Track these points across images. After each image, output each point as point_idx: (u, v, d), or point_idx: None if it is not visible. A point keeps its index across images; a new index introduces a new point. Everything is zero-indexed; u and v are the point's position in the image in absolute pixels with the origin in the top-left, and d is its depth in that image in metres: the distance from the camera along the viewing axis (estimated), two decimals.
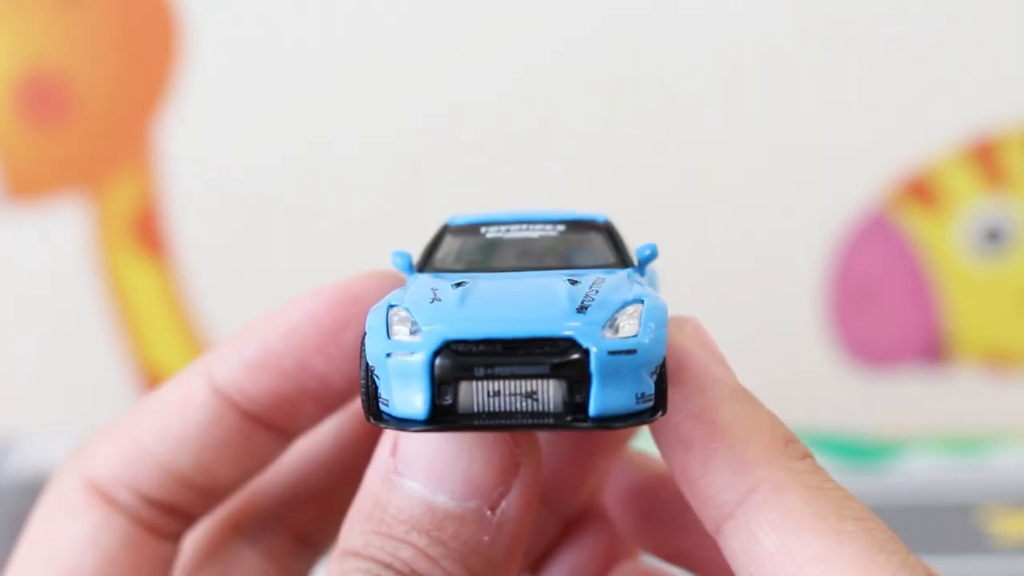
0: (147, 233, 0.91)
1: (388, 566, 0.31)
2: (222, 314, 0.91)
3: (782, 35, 0.86)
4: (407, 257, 0.35)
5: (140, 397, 0.92)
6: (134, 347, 0.92)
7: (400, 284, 0.36)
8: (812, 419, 0.81)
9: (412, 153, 0.89)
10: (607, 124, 0.88)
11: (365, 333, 0.31)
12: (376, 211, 0.89)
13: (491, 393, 0.29)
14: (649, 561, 0.42)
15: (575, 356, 0.29)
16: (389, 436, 0.32)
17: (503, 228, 0.36)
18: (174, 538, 0.38)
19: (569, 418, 0.29)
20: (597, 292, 0.31)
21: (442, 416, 0.29)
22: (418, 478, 0.31)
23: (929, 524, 0.70)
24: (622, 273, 0.33)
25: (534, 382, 0.29)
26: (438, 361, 0.29)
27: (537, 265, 0.34)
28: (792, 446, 0.31)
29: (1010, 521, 0.71)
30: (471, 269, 0.34)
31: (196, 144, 0.89)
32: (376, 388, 0.30)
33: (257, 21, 0.88)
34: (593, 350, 0.29)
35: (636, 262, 0.35)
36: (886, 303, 0.89)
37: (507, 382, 0.29)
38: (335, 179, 0.89)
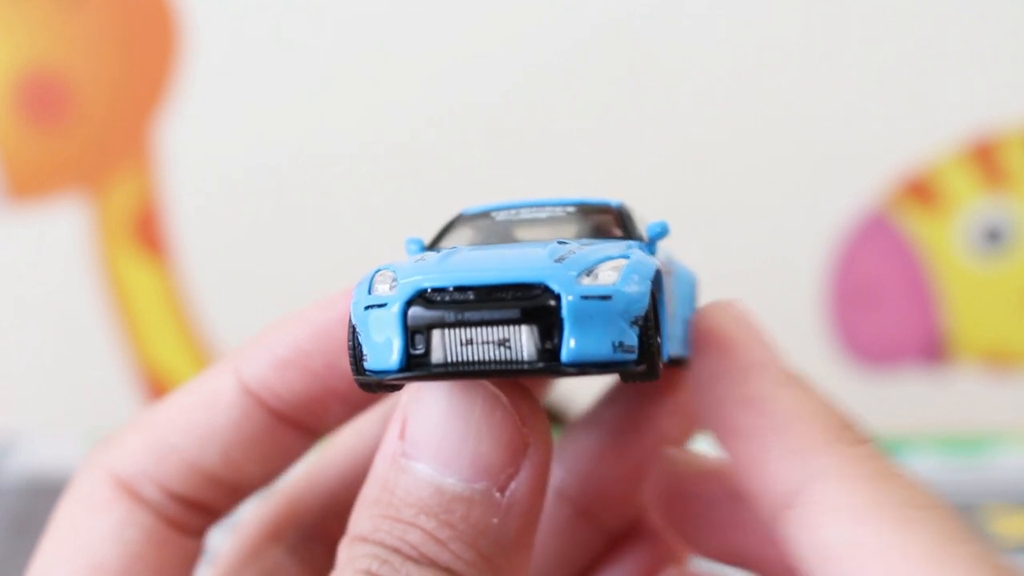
0: (147, 233, 0.91)
1: (396, 550, 0.31)
2: (222, 314, 0.91)
3: (782, 36, 0.86)
4: (419, 242, 0.35)
5: (148, 395, 0.91)
6: (134, 347, 0.92)
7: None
8: None
9: (413, 152, 0.89)
10: (608, 125, 0.88)
11: (352, 295, 0.31)
12: (377, 210, 0.89)
13: (463, 342, 0.29)
14: (698, 565, 0.41)
15: (547, 301, 0.28)
16: (397, 420, 0.32)
17: (514, 212, 0.36)
18: (198, 534, 0.38)
19: (542, 365, 0.28)
20: (582, 248, 0.30)
21: (416, 365, 0.29)
22: (426, 460, 0.31)
23: None
24: (623, 243, 0.33)
25: (506, 328, 0.29)
26: (411, 310, 0.29)
27: (540, 238, 0.34)
28: (850, 431, 0.31)
29: (1010, 521, 0.71)
30: (475, 244, 0.34)
31: (196, 144, 0.89)
32: (360, 348, 0.30)
33: (257, 21, 0.88)
34: (565, 296, 0.28)
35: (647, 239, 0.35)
36: (886, 303, 0.89)
37: (479, 329, 0.29)
38: (335, 178, 0.89)
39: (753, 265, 0.89)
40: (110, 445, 0.38)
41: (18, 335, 0.92)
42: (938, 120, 0.87)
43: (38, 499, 0.74)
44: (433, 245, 0.35)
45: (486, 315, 0.28)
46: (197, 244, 0.90)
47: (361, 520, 0.32)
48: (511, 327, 0.28)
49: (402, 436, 0.32)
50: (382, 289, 0.30)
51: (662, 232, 0.35)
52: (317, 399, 0.37)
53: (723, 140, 0.87)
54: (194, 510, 0.37)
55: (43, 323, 0.92)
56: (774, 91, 0.87)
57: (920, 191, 0.88)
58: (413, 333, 0.29)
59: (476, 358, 0.29)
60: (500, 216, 0.36)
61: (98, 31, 0.89)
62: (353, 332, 0.30)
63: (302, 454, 0.39)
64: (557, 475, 0.39)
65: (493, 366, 0.29)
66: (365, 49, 0.88)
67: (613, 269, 0.30)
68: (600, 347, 0.28)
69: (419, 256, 0.32)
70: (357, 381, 0.30)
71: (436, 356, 0.29)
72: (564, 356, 0.28)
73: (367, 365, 0.30)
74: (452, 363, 0.29)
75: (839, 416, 0.31)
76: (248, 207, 0.90)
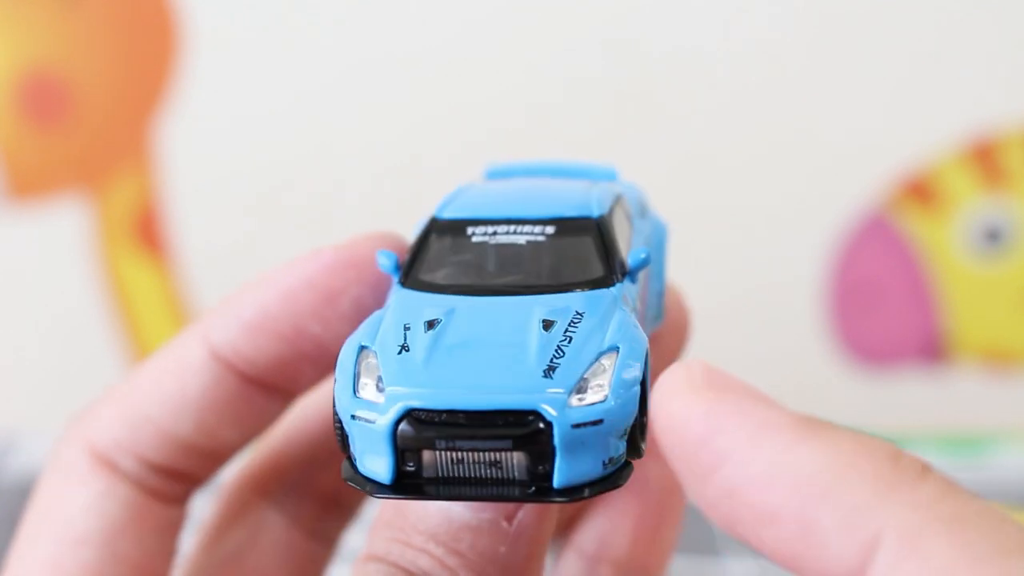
0: (147, 233, 0.91)
1: (408, 572, 0.31)
2: None
3: (782, 35, 0.86)
4: (393, 258, 0.35)
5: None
6: (135, 347, 0.92)
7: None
8: None
9: (414, 154, 0.89)
10: (609, 123, 0.88)
11: (335, 379, 0.30)
12: (377, 211, 0.89)
13: (455, 461, 0.29)
14: None
15: (538, 429, 0.28)
16: None
17: (490, 230, 0.35)
18: (180, 502, 0.38)
19: (533, 489, 0.28)
20: (570, 342, 0.30)
21: (407, 482, 0.29)
22: None
23: None
24: (607, 297, 0.32)
25: (497, 453, 0.28)
26: (400, 428, 0.29)
27: (521, 282, 0.33)
28: (904, 464, 0.24)
29: None
30: (453, 285, 0.33)
31: (196, 144, 0.89)
32: (348, 437, 0.30)
33: (257, 21, 0.88)
34: (558, 426, 0.28)
35: (628, 268, 0.34)
36: (886, 303, 0.89)
37: (471, 453, 0.29)
38: (336, 179, 0.89)
39: (753, 265, 0.89)
40: (84, 417, 0.38)
41: (18, 335, 0.92)
42: (938, 120, 0.87)
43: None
44: (407, 271, 0.34)
45: (478, 443, 0.28)
46: (197, 244, 0.90)
47: (376, 541, 0.32)
48: (503, 453, 0.28)
49: None
50: (368, 392, 0.30)
51: (645, 262, 0.34)
52: (287, 362, 0.37)
53: (722, 140, 0.87)
54: (173, 478, 0.37)
55: (43, 323, 0.92)
56: (773, 91, 0.87)
57: (920, 191, 0.88)
58: (403, 451, 0.29)
59: (468, 476, 0.29)
60: (476, 237, 0.35)
61: (98, 31, 0.89)
62: (339, 422, 0.30)
63: (277, 416, 0.38)
64: (591, 537, 0.39)
65: (485, 487, 0.29)
66: (366, 49, 0.88)
67: (603, 375, 0.29)
68: (591, 468, 0.29)
69: (402, 324, 0.31)
70: (349, 480, 0.30)
71: (428, 475, 0.29)
72: (557, 482, 0.28)
73: (359, 468, 0.30)
74: (443, 481, 0.29)
75: (881, 448, 0.24)
76: (248, 207, 0.90)
